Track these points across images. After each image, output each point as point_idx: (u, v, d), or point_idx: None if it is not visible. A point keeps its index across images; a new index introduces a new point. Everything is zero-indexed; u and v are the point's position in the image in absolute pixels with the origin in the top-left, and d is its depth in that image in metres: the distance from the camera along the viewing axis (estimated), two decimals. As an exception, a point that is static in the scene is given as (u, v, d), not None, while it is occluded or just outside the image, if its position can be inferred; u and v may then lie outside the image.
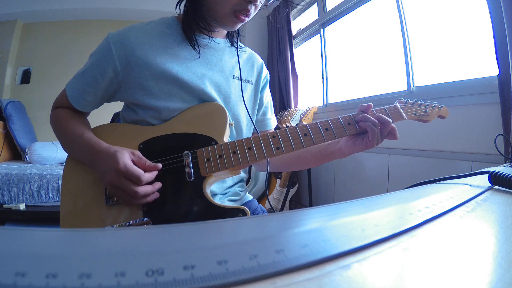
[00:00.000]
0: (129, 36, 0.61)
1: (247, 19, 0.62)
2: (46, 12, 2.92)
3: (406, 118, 0.65)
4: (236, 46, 0.72)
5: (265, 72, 0.79)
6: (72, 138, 0.62)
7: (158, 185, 0.55)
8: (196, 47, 0.65)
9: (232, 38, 0.72)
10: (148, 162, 0.55)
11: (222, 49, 0.70)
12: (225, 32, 0.71)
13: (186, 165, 0.56)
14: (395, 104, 0.66)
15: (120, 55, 0.60)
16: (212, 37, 0.68)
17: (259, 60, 0.79)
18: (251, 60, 0.76)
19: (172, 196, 0.56)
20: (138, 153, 0.56)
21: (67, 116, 0.66)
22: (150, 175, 0.54)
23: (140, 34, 0.62)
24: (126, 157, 0.53)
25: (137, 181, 0.52)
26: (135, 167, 0.53)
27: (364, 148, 0.61)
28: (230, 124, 0.64)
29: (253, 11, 0.61)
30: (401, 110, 0.65)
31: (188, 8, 0.64)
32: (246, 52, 0.76)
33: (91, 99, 0.65)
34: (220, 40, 0.70)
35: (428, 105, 0.69)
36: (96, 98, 0.65)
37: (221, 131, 0.59)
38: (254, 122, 0.72)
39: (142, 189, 0.53)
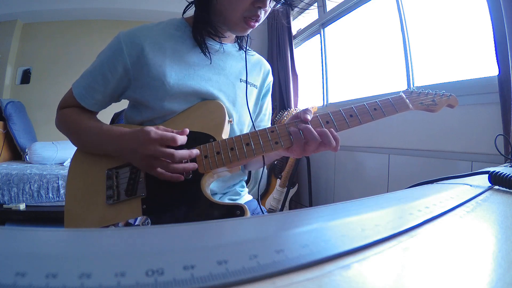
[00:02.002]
0: (139, 35, 0.62)
1: (257, 24, 0.62)
2: (46, 12, 2.91)
3: (412, 108, 0.61)
4: (244, 50, 0.71)
5: (270, 79, 0.79)
6: (88, 132, 0.62)
7: (195, 151, 0.55)
8: (207, 53, 0.65)
9: (241, 42, 0.72)
10: (175, 130, 0.56)
11: (229, 53, 0.70)
12: (234, 36, 0.71)
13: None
14: (399, 94, 0.63)
15: (131, 53, 0.61)
16: (222, 43, 0.68)
17: (266, 66, 0.79)
18: (258, 65, 0.76)
19: (171, 194, 0.56)
20: (161, 126, 0.56)
21: (76, 113, 0.65)
22: (183, 137, 0.55)
23: (151, 34, 0.63)
24: (153, 128, 0.54)
25: (173, 142, 0.53)
26: (166, 132, 0.54)
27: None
28: (229, 121, 0.63)
29: (263, 16, 0.61)
30: (407, 100, 0.62)
31: (198, 14, 0.64)
32: (254, 55, 0.76)
33: (100, 97, 0.64)
34: (228, 44, 0.70)
35: (436, 94, 0.64)
36: (105, 96, 0.64)
37: (219, 128, 0.59)
38: (255, 126, 0.72)
39: (180, 152, 0.53)
